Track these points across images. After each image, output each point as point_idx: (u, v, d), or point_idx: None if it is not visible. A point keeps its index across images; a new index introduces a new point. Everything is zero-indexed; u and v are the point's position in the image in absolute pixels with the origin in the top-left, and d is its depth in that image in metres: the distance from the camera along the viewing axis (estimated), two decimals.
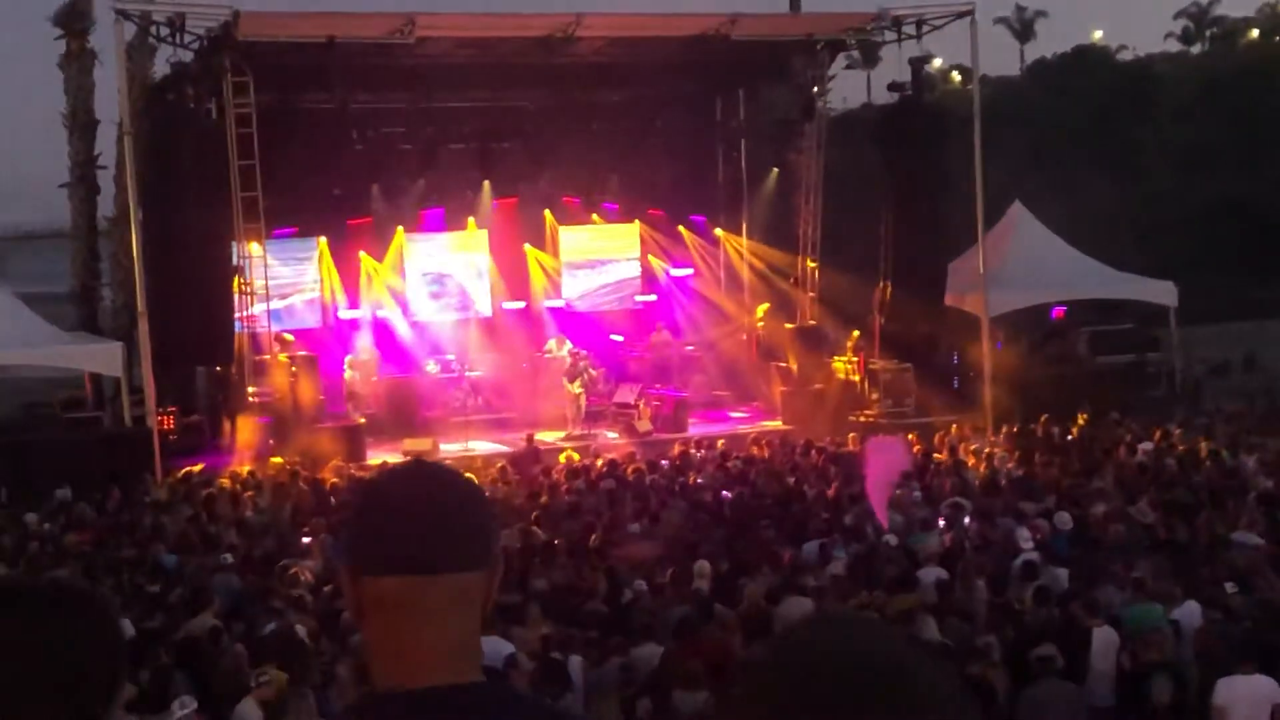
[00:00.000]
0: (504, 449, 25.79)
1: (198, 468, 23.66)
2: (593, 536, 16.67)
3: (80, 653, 2.27)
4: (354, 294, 29.86)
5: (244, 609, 13.85)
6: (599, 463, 23.09)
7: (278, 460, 24.06)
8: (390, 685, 2.31)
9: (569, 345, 29.18)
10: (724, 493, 20.33)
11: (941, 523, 17.24)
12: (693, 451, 24.16)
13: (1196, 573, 13.82)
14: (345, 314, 29.73)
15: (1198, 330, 34.77)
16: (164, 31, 25.75)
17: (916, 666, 1.66)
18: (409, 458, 2.21)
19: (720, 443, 25.16)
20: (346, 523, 2.52)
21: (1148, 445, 22.59)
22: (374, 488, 2.44)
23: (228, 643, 12.26)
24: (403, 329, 30.06)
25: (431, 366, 29.15)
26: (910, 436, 24.64)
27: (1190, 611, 12.35)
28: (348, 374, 27.95)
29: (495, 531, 2.44)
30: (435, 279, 30.99)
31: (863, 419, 27.61)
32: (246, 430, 24.92)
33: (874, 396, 28.85)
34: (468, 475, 2.55)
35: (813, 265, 31.00)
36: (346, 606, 2.40)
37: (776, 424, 28.34)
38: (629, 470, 21.86)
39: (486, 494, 2.49)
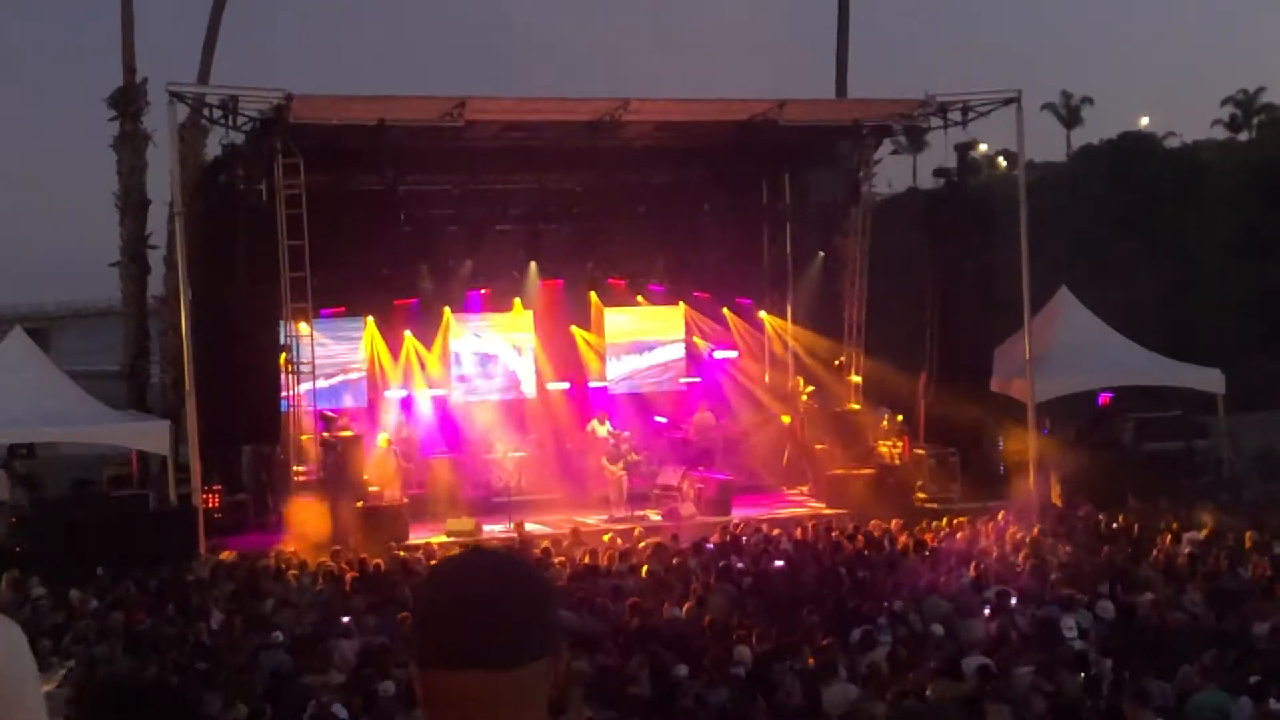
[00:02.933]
0: (547, 530, 25.75)
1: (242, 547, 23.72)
2: (635, 620, 16.59)
3: None
4: (399, 374, 29.97)
5: (286, 690, 13.82)
6: (641, 545, 23.00)
7: (320, 539, 24.08)
8: None
9: (609, 426, 29.18)
10: (776, 562, 20.40)
11: (987, 611, 17.08)
12: (738, 535, 24.03)
13: (1248, 665, 13.62)
14: (391, 394, 29.82)
15: (1246, 418, 34.44)
16: (217, 114, 26.09)
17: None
18: (467, 546, 2.17)
19: (765, 526, 25.03)
20: (411, 616, 2.52)
21: (1195, 534, 22.36)
22: (435, 580, 2.43)
23: None
24: (447, 409, 30.13)
25: (500, 449, 28.93)
26: (958, 521, 24.54)
27: (1243, 705, 12.18)
28: (385, 451, 27.85)
29: (557, 619, 2.44)
30: (481, 359, 31.10)
31: (908, 504, 27.42)
32: (291, 509, 24.98)
33: (919, 481, 28.70)
34: (527, 561, 2.52)
35: (856, 348, 30.96)
36: (420, 703, 2.38)
37: (820, 508, 28.19)
38: (672, 553, 21.76)
39: (549, 580, 2.47)
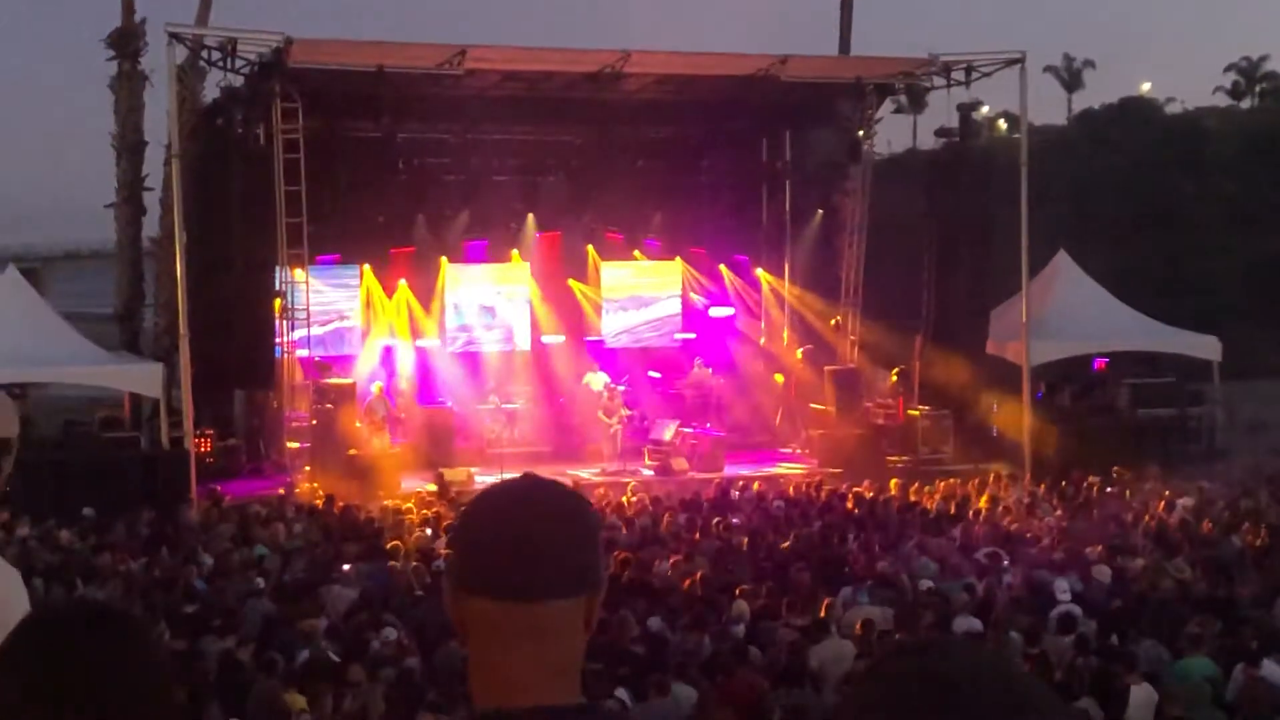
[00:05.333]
0: None
1: (234, 491, 23.71)
2: (626, 573, 16.58)
3: (120, 675, 2.23)
4: (395, 322, 29.89)
5: (276, 635, 13.80)
6: (633, 499, 23.00)
7: (313, 486, 24.08)
8: (488, 704, 2.31)
9: (605, 379, 29.15)
10: (777, 502, 20.74)
11: (978, 573, 17.08)
12: (730, 492, 24.05)
13: (1239, 631, 13.63)
14: (385, 342, 29.75)
15: (1241, 385, 34.44)
16: (215, 56, 25.94)
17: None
18: (523, 474, 2.18)
19: (756, 484, 25.04)
20: (454, 537, 2.51)
21: (1187, 501, 22.38)
22: (483, 505, 2.41)
23: (253, 668, 12.23)
24: (442, 359, 30.09)
25: (493, 401, 29.07)
26: (950, 482, 24.59)
27: (1232, 670, 12.18)
28: (376, 400, 27.80)
29: (599, 557, 2.41)
30: (477, 310, 31.04)
31: (901, 464, 27.46)
32: (283, 455, 24.96)
33: (912, 442, 28.71)
34: (580, 496, 2.49)
35: (853, 308, 30.92)
36: (449, 617, 2.37)
37: (813, 466, 28.20)
38: (664, 508, 21.77)
39: (596, 516, 2.45)
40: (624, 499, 23.15)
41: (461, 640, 2.38)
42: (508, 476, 2.47)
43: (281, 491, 23.91)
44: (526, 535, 2.29)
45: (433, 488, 24.48)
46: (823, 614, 14.02)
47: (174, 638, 13.50)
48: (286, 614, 14.65)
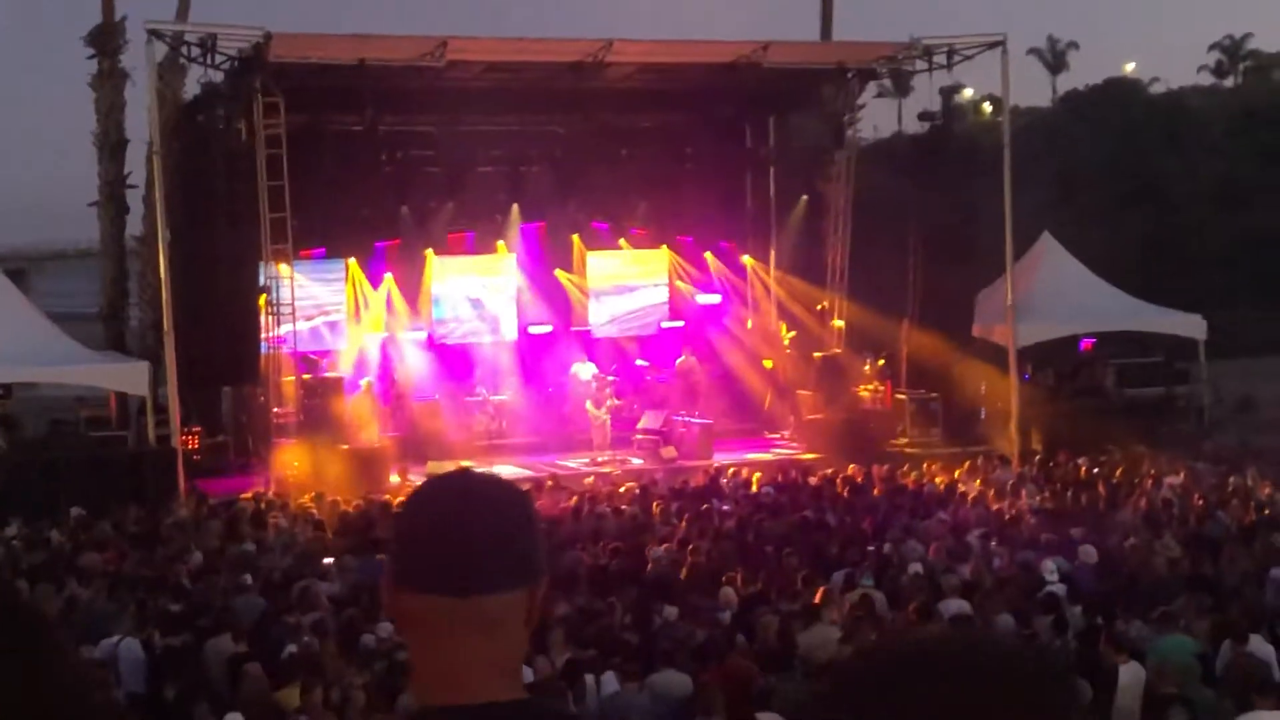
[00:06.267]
0: (528, 473, 25.76)
1: (221, 488, 23.68)
2: (616, 561, 16.59)
3: (28, 679, 2.11)
4: (381, 316, 29.85)
5: (266, 630, 13.78)
6: (622, 489, 23.00)
7: (301, 481, 24.04)
8: (430, 701, 2.28)
9: (594, 369, 29.15)
10: (766, 488, 21.15)
11: (966, 555, 17.10)
12: (719, 479, 24.05)
13: (1226, 609, 13.66)
14: (372, 336, 29.71)
15: (1227, 364, 34.53)
16: (195, 52, 25.84)
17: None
18: (458, 468, 2.16)
19: (745, 470, 25.05)
20: (390, 535, 2.47)
21: (1174, 479, 22.42)
22: (417, 500, 2.38)
23: (243, 665, 12.22)
24: (429, 351, 30.05)
25: (480, 393, 29.13)
26: (938, 465, 24.61)
27: (1221, 647, 12.21)
28: (364, 394, 27.78)
29: (539, 547, 2.37)
30: (463, 302, 30.99)
31: (889, 448, 27.48)
32: (270, 451, 24.93)
33: (900, 426, 28.75)
34: (517, 487, 2.47)
35: (839, 294, 30.92)
36: (387, 616, 2.35)
37: (801, 452, 28.22)
38: (653, 496, 21.78)
39: (534, 507, 2.42)
40: (613, 488, 23.13)
41: (402, 637, 2.35)
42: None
43: (270, 487, 23.86)
44: (462, 530, 2.27)
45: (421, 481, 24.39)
46: (818, 600, 14.01)
47: (163, 636, 13.51)
48: (276, 609, 14.64)
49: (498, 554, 2.28)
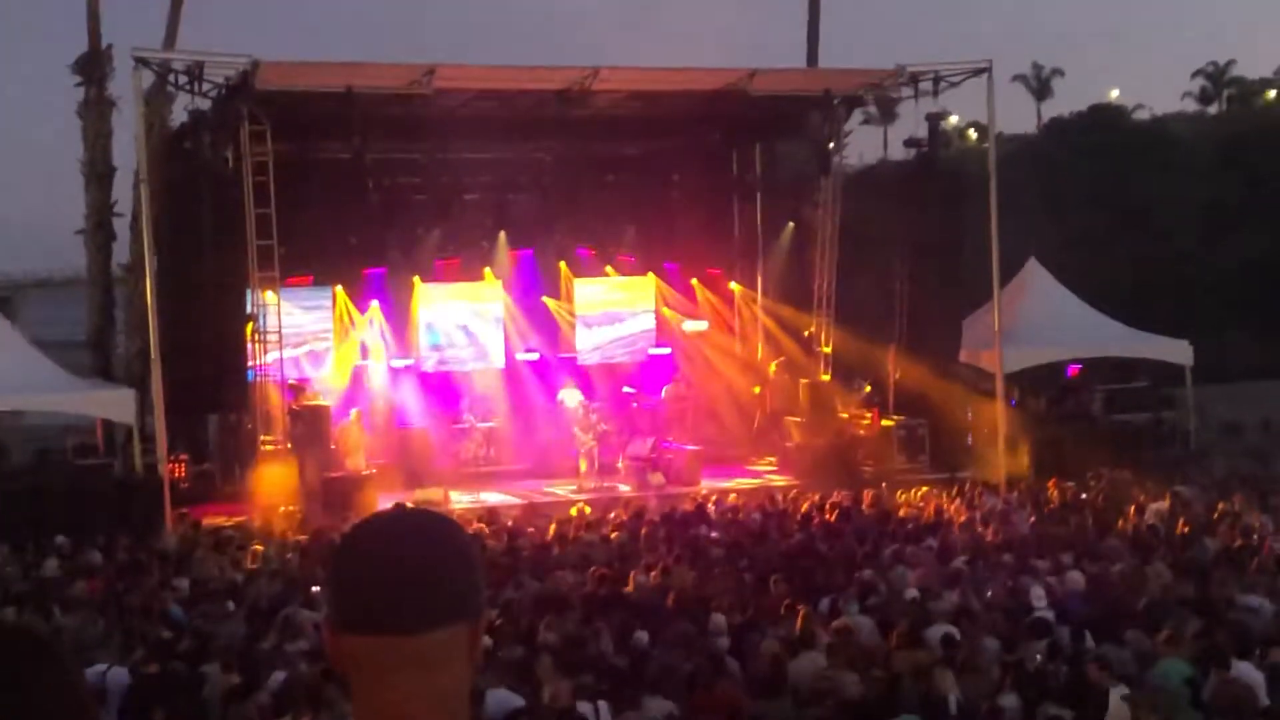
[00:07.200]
0: (515, 500, 25.74)
1: (208, 516, 23.62)
2: (603, 588, 16.55)
3: (30, 696, 2.16)
4: (368, 343, 29.83)
5: (254, 657, 13.72)
6: (610, 515, 22.97)
7: (288, 509, 23.98)
8: None
9: (580, 396, 29.15)
10: (754, 514, 21.11)
11: (953, 582, 17.08)
12: (706, 505, 24.03)
13: (1214, 634, 13.66)
14: (359, 363, 29.68)
15: (1214, 390, 34.61)
16: (183, 80, 25.83)
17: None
18: (398, 506, 2.13)
19: (732, 497, 25.05)
20: (327, 576, 2.44)
21: (1161, 505, 22.44)
22: (351, 541, 2.34)
23: (230, 692, 12.17)
24: (416, 379, 30.01)
25: (468, 420, 29.13)
26: (926, 491, 24.61)
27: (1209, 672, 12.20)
28: (352, 422, 27.72)
29: (478, 583, 2.33)
30: (450, 329, 30.96)
31: (876, 474, 27.46)
32: (257, 479, 24.85)
33: (887, 452, 28.75)
34: (452, 522, 2.45)
35: (826, 320, 30.95)
36: (330, 662, 2.33)
37: (789, 479, 28.20)
38: (641, 523, 21.74)
39: (470, 541, 2.39)
40: (601, 515, 23.11)
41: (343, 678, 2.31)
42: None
43: (256, 515, 23.79)
44: (399, 568, 2.24)
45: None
46: (799, 625, 13.99)
47: (150, 663, 13.44)
48: (262, 637, 14.58)
49: (437, 591, 2.25)
